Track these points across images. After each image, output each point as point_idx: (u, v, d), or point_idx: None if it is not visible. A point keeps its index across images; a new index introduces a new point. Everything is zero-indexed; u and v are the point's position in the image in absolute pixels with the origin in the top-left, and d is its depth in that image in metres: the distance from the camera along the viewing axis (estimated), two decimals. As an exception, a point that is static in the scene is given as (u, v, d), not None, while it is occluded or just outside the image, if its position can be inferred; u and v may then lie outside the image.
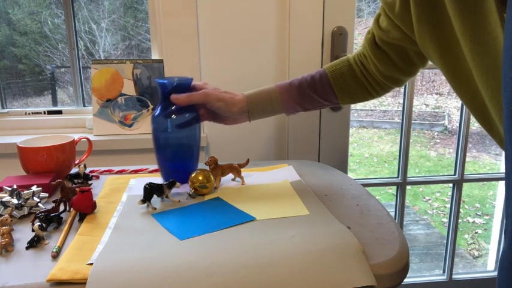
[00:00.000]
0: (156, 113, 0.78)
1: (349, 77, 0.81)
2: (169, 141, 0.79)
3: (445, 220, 3.83)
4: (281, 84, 0.83)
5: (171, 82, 0.77)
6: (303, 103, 0.83)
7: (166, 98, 0.76)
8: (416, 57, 0.72)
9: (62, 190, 0.70)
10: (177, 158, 0.80)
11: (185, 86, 0.78)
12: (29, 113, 1.22)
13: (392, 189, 4.15)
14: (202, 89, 0.79)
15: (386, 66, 0.75)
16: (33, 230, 0.58)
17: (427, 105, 6.42)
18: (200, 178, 0.74)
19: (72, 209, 0.69)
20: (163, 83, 0.77)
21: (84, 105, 1.27)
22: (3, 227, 0.57)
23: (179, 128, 0.78)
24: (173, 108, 0.77)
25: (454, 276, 1.41)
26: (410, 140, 1.29)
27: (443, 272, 1.43)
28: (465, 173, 1.33)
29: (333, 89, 0.82)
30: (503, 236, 1.41)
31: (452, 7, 0.52)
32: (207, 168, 0.81)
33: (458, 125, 1.34)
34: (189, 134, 0.79)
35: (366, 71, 0.80)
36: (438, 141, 5.82)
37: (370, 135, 6.05)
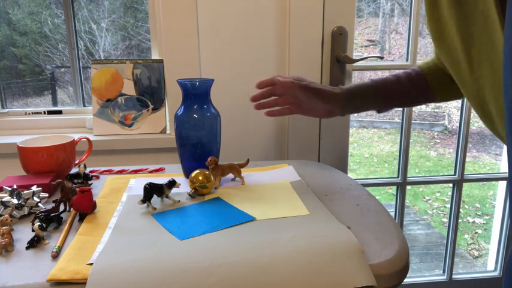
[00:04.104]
0: (179, 112, 0.81)
1: (443, 74, 0.82)
2: (190, 139, 0.82)
3: (445, 220, 3.83)
4: (378, 81, 0.84)
5: (193, 83, 0.80)
6: (401, 99, 0.85)
7: (188, 98, 0.80)
8: None
9: (62, 190, 0.70)
10: (198, 156, 0.83)
11: (206, 86, 0.81)
12: (29, 113, 1.22)
13: (392, 189, 4.15)
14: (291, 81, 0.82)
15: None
16: (33, 230, 0.58)
17: (427, 105, 6.42)
18: (200, 178, 0.74)
19: (72, 209, 0.69)
20: (185, 83, 0.80)
21: (84, 105, 1.27)
22: (3, 227, 0.57)
23: (200, 126, 0.81)
24: (194, 107, 0.81)
25: (454, 276, 1.41)
26: (410, 140, 1.29)
27: (443, 272, 1.43)
28: (465, 173, 1.33)
29: (429, 86, 0.83)
30: (503, 237, 1.38)
31: (453, 17, 0.53)
32: (207, 168, 0.81)
33: (458, 125, 1.34)
34: (209, 133, 0.82)
35: None
36: (438, 141, 5.82)
37: (370, 135, 6.05)
